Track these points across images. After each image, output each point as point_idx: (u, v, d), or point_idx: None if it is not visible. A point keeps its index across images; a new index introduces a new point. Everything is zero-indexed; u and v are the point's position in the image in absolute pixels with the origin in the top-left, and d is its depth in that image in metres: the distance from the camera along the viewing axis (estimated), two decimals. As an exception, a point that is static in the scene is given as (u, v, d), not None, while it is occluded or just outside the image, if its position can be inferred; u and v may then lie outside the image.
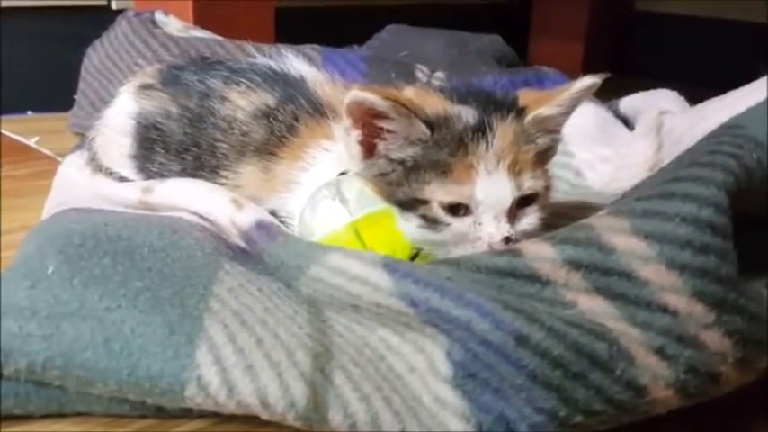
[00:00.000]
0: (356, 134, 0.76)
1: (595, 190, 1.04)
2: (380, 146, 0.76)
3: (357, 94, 0.73)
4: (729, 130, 0.70)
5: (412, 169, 0.75)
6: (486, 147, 0.74)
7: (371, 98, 0.72)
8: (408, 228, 0.75)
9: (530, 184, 0.75)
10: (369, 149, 0.77)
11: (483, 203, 0.73)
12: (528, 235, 0.74)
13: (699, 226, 0.60)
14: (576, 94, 0.78)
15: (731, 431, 0.68)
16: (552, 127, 0.80)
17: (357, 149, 0.77)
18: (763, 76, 0.89)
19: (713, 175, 0.63)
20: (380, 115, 0.74)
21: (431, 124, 0.74)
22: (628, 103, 1.29)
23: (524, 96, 0.81)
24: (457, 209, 0.73)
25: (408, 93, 0.80)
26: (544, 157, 0.79)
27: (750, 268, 0.62)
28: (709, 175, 0.63)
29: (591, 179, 1.08)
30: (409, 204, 0.75)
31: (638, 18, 2.59)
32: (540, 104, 0.78)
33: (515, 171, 0.74)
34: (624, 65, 2.56)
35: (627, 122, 1.23)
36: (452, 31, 1.64)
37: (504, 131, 0.75)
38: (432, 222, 0.74)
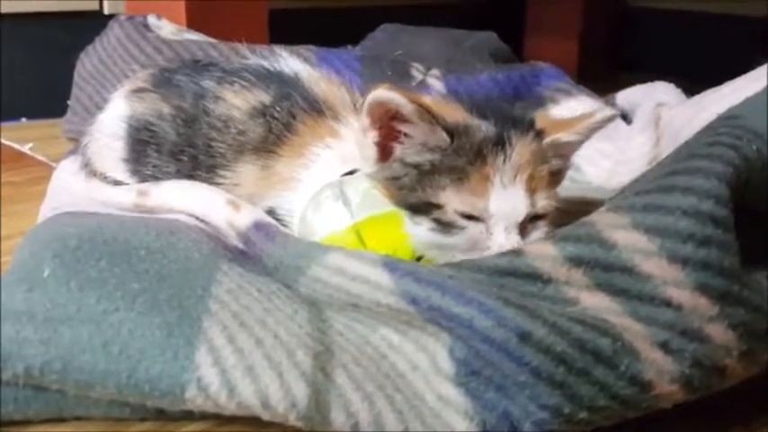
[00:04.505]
0: (373, 135, 0.76)
1: (595, 185, 1.05)
2: (397, 150, 0.76)
3: (382, 93, 0.72)
4: (727, 120, 0.69)
5: (427, 173, 0.75)
6: (504, 160, 0.74)
7: (398, 99, 0.72)
8: (418, 231, 0.74)
9: (543, 203, 0.75)
10: (384, 152, 0.77)
11: (496, 215, 0.73)
12: None
13: (700, 219, 0.59)
14: (596, 124, 0.79)
15: (731, 427, 0.68)
16: (566, 152, 0.81)
17: (373, 151, 0.77)
18: (759, 66, 0.89)
19: (713, 166, 0.62)
20: (400, 118, 0.74)
21: (451, 132, 0.74)
22: (625, 97, 1.28)
23: (541, 119, 0.81)
24: (469, 216, 0.73)
25: (427, 101, 0.79)
26: (556, 178, 0.79)
27: (751, 259, 0.61)
28: (709, 167, 0.62)
29: (590, 174, 1.08)
30: (421, 208, 0.74)
31: (633, 13, 2.59)
32: (559, 130, 0.79)
33: (531, 188, 0.75)
34: (619, 61, 2.56)
35: (624, 116, 1.23)
36: (446, 29, 1.63)
37: (522, 148, 0.75)
38: (445, 226, 0.73)
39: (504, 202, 0.73)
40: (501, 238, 0.73)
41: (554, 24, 2.51)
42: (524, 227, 0.75)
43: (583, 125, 0.79)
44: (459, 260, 0.70)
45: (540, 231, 0.75)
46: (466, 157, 0.74)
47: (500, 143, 0.74)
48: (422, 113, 0.73)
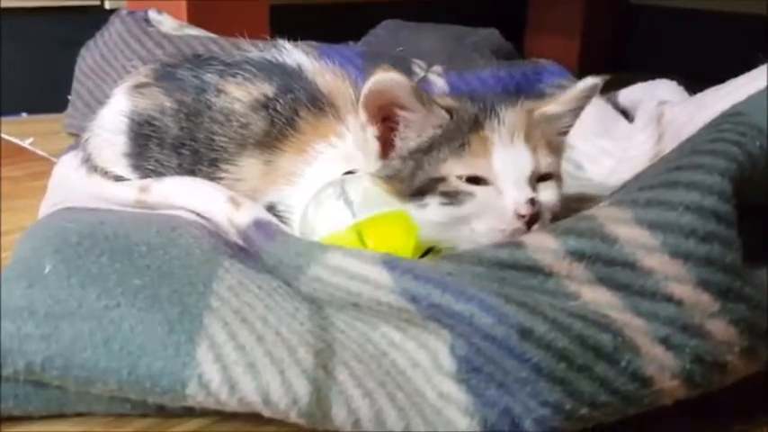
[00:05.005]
0: (373, 130, 0.76)
1: (596, 182, 1.04)
2: (397, 141, 0.76)
3: (379, 78, 0.72)
4: (731, 117, 0.69)
5: (425, 153, 0.75)
6: (499, 123, 0.74)
7: (396, 79, 0.72)
8: (427, 213, 0.73)
9: (547, 161, 0.75)
10: (385, 146, 0.77)
11: (502, 172, 0.73)
12: (549, 209, 0.74)
13: (703, 214, 0.60)
14: (580, 94, 0.79)
15: (731, 424, 0.68)
16: (559, 127, 0.81)
17: (375, 146, 0.76)
18: (761, 64, 0.89)
19: (716, 162, 0.62)
20: (398, 104, 0.74)
21: (449, 109, 0.75)
22: (626, 95, 1.28)
23: (526, 102, 0.81)
24: (476, 182, 0.73)
25: None
26: (555, 149, 0.79)
27: (753, 256, 0.61)
28: (712, 163, 0.62)
29: (592, 172, 1.08)
30: (425, 188, 0.73)
31: (634, 11, 2.59)
32: (545, 105, 0.80)
33: (531, 146, 0.75)
34: (620, 59, 2.55)
35: (626, 114, 1.23)
36: (448, 26, 1.64)
37: (514, 114, 0.76)
38: (453, 196, 0.72)
39: (507, 158, 0.73)
40: (514, 193, 0.72)
41: (555, 22, 2.51)
42: (533, 186, 0.74)
43: (568, 96, 0.80)
44: (460, 252, 0.70)
45: (550, 191, 0.75)
46: (464, 127, 0.74)
47: (493, 111, 0.75)
48: (419, 94, 0.73)
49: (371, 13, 1.74)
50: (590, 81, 0.79)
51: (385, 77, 0.72)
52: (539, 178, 0.75)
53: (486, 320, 0.58)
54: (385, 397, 0.60)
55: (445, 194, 0.73)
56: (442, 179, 0.73)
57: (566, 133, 0.82)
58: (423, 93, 0.74)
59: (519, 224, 0.71)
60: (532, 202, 0.71)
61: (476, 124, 0.74)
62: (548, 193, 0.75)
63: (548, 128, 0.79)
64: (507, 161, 0.73)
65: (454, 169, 0.73)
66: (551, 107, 0.79)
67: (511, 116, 0.75)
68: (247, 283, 0.70)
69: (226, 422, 0.64)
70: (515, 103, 0.78)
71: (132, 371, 0.60)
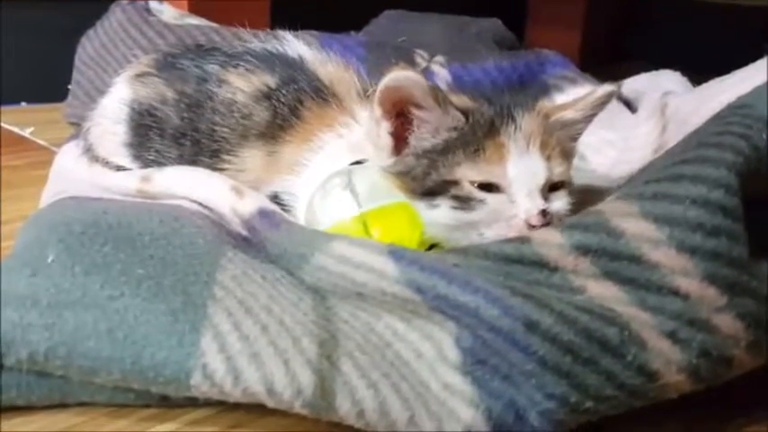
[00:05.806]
0: (387, 125, 0.75)
1: (600, 173, 1.04)
2: (412, 139, 0.76)
3: (396, 76, 0.72)
4: (737, 109, 0.69)
5: (440, 154, 0.74)
6: (515, 129, 0.74)
7: (413, 78, 0.72)
8: (437, 214, 0.73)
9: (560, 170, 0.76)
10: (398, 142, 0.76)
11: (516, 180, 0.73)
12: (559, 218, 0.73)
13: (709, 208, 0.59)
14: (597, 101, 0.80)
15: (732, 419, 0.68)
16: (573, 133, 0.81)
17: (388, 142, 0.76)
18: (765, 56, 0.89)
19: (722, 155, 0.62)
20: (413, 103, 0.74)
21: (465, 112, 0.75)
22: (630, 86, 1.28)
23: (544, 106, 0.81)
24: (488, 188, 0.73)
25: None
26: (567, 155, 0.79)
27: (759, 250, 0.61)
28: (719, 156, 0.62)
29: (595, 163, 1.08)
30: (438, 189, 0.73)
31: (636, 3, 2.58)
32: (562, 110, 0.80)
33: (545, 155, 0.75)
34: (621, 51, 2.55)
35: (629, 105, 1.22)
36: (451, 16, 1.63)
37: (530, 120, 0.76)
38: (465, 201, 0.73)
39: (522, 166, 0.73)
40: (526, 203, 0.72)
41: (556, 13, 2.50)
42: (545, 196, 0.74)
43: (585, 102, 0.80)
44: (465, 246, 0.70)
45: (562, 201, 0.75)
46: (480, 132, 0.74)
47: (509, 116, 0.75)
48: (436, 94, 0.73)
49: (373, 3, 1.73)
50: (607, 88, 0.80)
51: (401, 75, 0.72)
52: (551, 187, 0.75)
53: (492, 312, 0.58)
54: (389, 387, 0.60)
55: (457, 198, 0.73)
56: (455, 182, 0.73)
57: (577, 138, 0.83)
58: (439, 93, 0.73)
59: (528, 233, 0.71)
60: (544, 213, 0.72)
61: (492, 129, 0.74)
62: (559, 203, 0.75)
63: (562, 134, 0.79)
64: (522, 170, 0.73)
65: (468, 174, 0.73)
66: (568, 113, 0.80)
67: (527, 122, 0.75)
68: (251, 273, 0.70)
69: (229, 412, 0.64)
70: (532, 107, 0.78)
71: (136, 360, 0.60)
